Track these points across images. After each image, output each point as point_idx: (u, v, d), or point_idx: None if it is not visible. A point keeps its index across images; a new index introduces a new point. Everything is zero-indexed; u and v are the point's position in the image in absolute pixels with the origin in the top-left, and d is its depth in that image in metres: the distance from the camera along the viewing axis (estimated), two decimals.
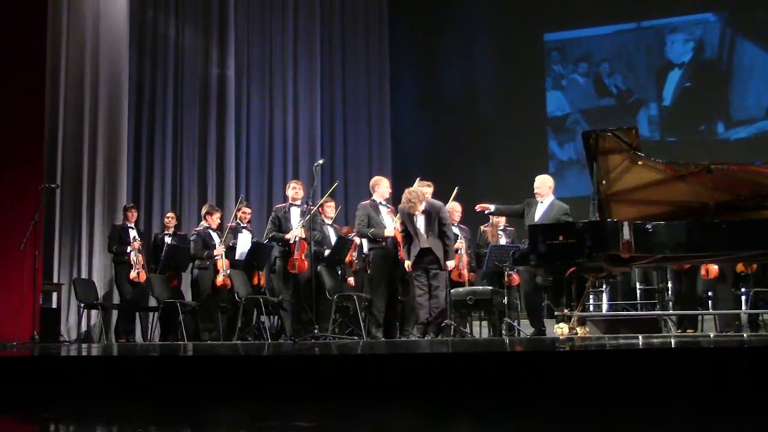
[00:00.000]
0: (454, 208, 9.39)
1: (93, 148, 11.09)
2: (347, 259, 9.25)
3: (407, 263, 8.21)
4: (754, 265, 8.96)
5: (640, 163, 6.87)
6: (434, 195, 8.69)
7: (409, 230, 8.18)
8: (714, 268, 8.72)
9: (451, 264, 8.26)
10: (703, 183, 6.79)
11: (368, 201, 8.89)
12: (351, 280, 9.52)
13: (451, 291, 8.47)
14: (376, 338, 8.41)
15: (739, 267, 9.00)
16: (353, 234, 9.74)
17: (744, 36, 13.23)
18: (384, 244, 8.63)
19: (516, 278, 8.84)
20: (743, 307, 9.09)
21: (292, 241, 8.89)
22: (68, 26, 10.95)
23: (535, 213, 8.42)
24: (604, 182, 6.91)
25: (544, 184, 8.53)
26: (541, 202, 8.46)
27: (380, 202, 8.80)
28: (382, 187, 8.89)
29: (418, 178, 8.85)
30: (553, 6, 14.18)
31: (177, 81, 12.55)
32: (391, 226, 8.59)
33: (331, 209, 9.89)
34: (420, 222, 8.15)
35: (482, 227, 9.81)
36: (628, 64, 13.89)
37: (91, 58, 11.17)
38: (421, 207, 8.10)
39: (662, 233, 6.59)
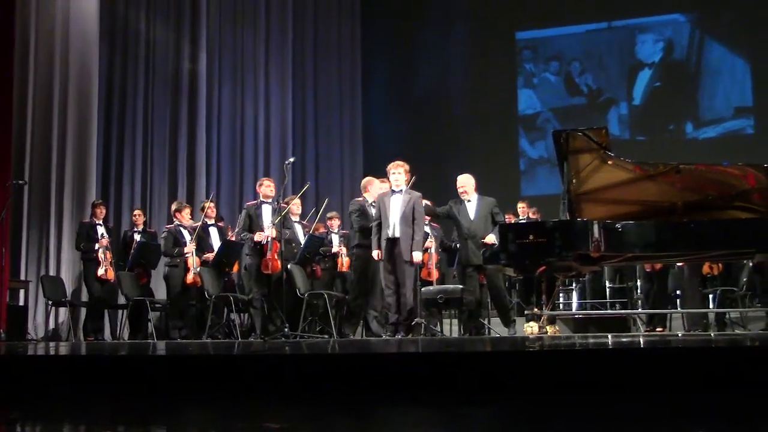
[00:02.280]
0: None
1: (62, 144, 10.98)
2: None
3: (375, 252, 8.10)
4: (720, 266, 9.05)
5: (610, 162, 6.91)
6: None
7: (381, 216, 8.12)
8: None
9: (417, 256, 8.09)
10: (671, 183, 6.85)
11: (360, 199, 8.81)
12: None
13: (422, 289, 8.47)
14: (347, 336, 8.40)
15: (705, 269, 9.09)
16: (324, 231, 9.73)
17: (712, 37, 13.37)
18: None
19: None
20: (710, 306, 9.19)
21: (264, 242, 8.83)
22: (37, 20, 10.83)
23: (468, 211, 8.53)
24: (574, 181, 6.94)
25: (468, 183, 8.65)
26: (469, 200, 8.56)
27: (371, 203, 8.71)
28: (374, 187, 8.80)
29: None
30: (525, 5, 14.27)
31: (148, 76, 12.47)
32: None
33: (297, 206, 9.78)
34: (394, 205, 8.07)
35: None
36: (599, 64, 14.00)
37: (60, 53, 11.06)
38: (401, 176, 8.09)
39: (632, 233, 6.63)
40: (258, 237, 8.82)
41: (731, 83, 13.21)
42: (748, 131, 13.09)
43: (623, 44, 13.86)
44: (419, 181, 8.57)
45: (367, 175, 9.37)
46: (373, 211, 8.49)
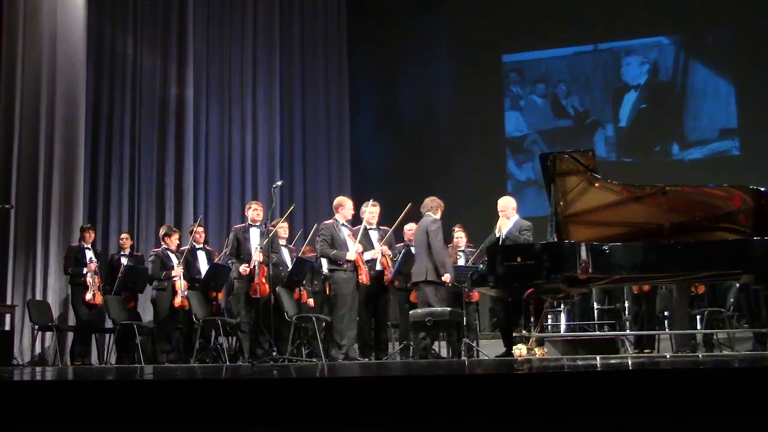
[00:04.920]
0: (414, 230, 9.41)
1: (49, 167, 10.95)
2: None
3: (448, 276, 8.21)
4: (702, 288, 9.08)
5: (597, 184, 6.93)
6: (390, 215, 8.75)
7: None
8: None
9: None
10: (658, 204, 6.87)
11: (331, 221, 8.87)
12: (311, 301, 9.47)
13: (410, 312, 8.46)
14: (336, 360, 8.38)
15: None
16: (314, 254, 9.72)
17: (697, 59, 13.48)
18: (345, 267, 8.59)
19: (476, 295, 8.89)
20: (698, 327, 9.20)
21: (251, 267, 8.82)
22: (24, 44, 10.83)
23: (503, 231, 8.44)
24: (561, 203, 6.96)
25: (508, 206, 8.52)
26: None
27: (343, 223, 8.78)
28: (345, 207, 8.87)
29: (370, 200, 8.95)
30: (511, 28, 14.34)
31: (135, 101, 12.46)
32: (353, 249, 8.55)
33: (284, 230, 9.79)
34: None
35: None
36: (585, 86, 14.07)
37: (47, 77, 11.05)
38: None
39: (619, 254, 6.64)
40: (243, 269, 8.83)
41: (716, 105, 13.30)
42: (734, 152, 13.17)
43: (609, 67, 13.95)
44: (406, 206, 8.69)
45: (355, 199, 9.38)
46: (344, 231, 8.60)
